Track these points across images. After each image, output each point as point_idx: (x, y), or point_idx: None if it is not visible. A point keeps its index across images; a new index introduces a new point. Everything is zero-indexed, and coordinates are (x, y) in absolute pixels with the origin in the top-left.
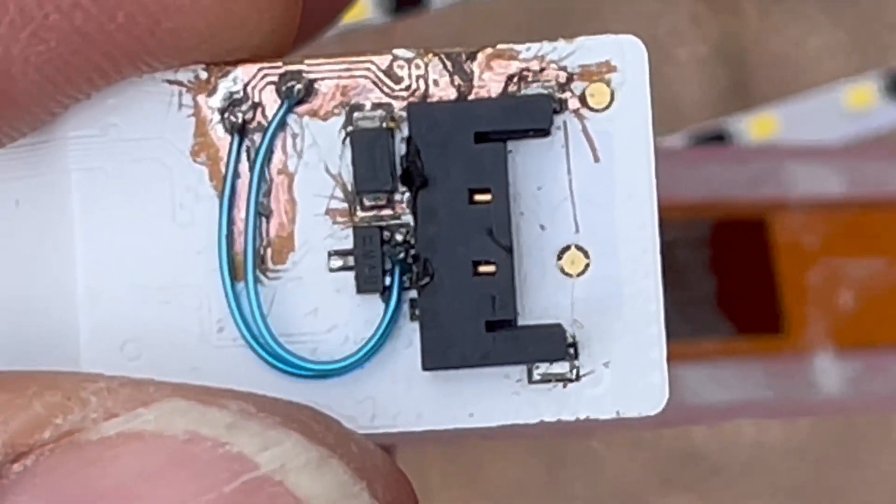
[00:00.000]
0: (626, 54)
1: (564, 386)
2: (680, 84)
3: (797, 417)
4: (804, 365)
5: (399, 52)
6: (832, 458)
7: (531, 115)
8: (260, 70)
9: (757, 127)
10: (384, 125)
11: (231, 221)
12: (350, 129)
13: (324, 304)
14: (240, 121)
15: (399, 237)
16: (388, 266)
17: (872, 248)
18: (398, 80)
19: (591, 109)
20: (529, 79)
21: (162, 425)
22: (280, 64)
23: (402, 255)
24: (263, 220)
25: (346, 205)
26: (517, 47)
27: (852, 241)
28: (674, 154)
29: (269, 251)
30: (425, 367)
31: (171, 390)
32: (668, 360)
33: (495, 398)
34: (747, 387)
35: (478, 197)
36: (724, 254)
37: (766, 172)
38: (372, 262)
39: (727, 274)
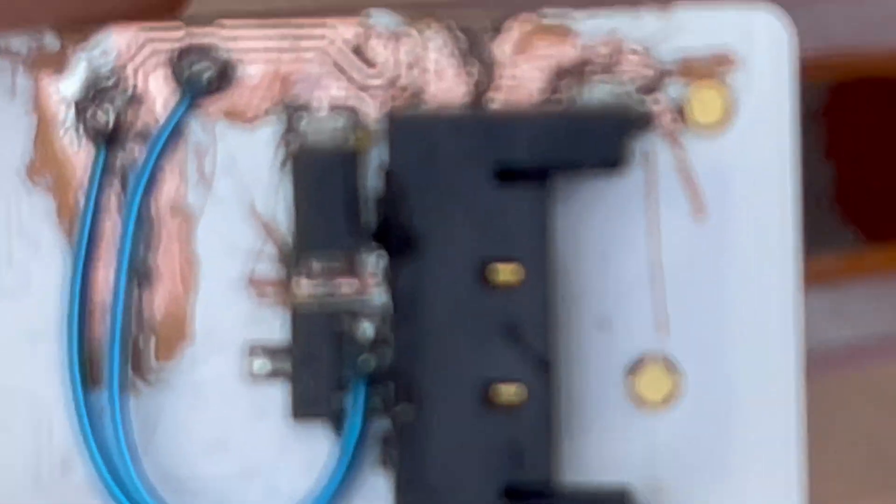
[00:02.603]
0: (759, 38)
1: None
2: None
3: None
4: None
5: (378, 16)
6: None
7: (593, 139)
8: (144, 37)
9: None
10: (348, 141)
11: (87, 289)
12: (292, 145)
13: (237, 433)
14: (110, 122)
15: (367, 331)
16: (346, 378)
17: None
18: (373, 63)
19: (696, 131)
20: (592, 73)
21: None
22: (179, 28)
23: (369, 362)
24: (143, 288)
25: (280, 270)
26: (575, 16)
27: None
28: None
29: (150, 341)
30: None
31: None
32: None
33: None
34: (880, 316)
35: (498, 272)
36: (847, 129)
37: None
38: (319, 369)
39: (851, 158)
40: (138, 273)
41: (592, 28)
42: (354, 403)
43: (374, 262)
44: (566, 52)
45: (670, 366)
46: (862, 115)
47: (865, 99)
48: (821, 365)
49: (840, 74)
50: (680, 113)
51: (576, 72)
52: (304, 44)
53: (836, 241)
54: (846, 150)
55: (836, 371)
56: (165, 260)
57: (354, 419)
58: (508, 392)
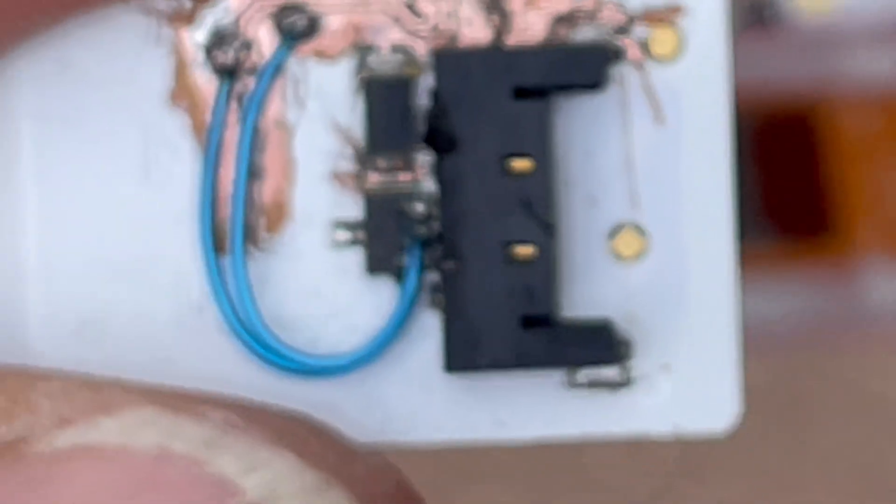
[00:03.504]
0: None
1: (614, 393)
2: None
3: (847, 332)
4: (854, 271)
5: None
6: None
7: (582, 66)
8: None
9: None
10: (404, 72)
11: (216, 182)
12: (363, 75)
13: (326, 285)
14: (230, 61)
15: (419, 208)
16: (406, 243)
17: None
18: (422, 17)
19: (656, 60)
20: (581, 21)
21: (127, 438)
22: None
23: (422, 231)
24: (256, 181)
25: (356, 167)
26: None
27: None
28: None
29: (261, 220)
30: (449, 369)
31: (140, 394)
32: (744, 364)
33: (531, 406)
34: (790, 297)
35: (515, 164)
36: (770, 149)
37: (817, 57)
38: (386, 237)
39: (773, 171)
40: (252, 171)
41: None
42: (411, 261)
43: (423, 159)
44: (563, 4)
45: (640, 230)
46: (781, 138)
47: (784, 126)
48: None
49: (765, 106)
50: (644, 48)
51: (568, 19)
52: (371, 2)
53: (759, 236)
54: (769, 164)
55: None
56: (272, 161)
57: (412, 272)
58: (524, 250)
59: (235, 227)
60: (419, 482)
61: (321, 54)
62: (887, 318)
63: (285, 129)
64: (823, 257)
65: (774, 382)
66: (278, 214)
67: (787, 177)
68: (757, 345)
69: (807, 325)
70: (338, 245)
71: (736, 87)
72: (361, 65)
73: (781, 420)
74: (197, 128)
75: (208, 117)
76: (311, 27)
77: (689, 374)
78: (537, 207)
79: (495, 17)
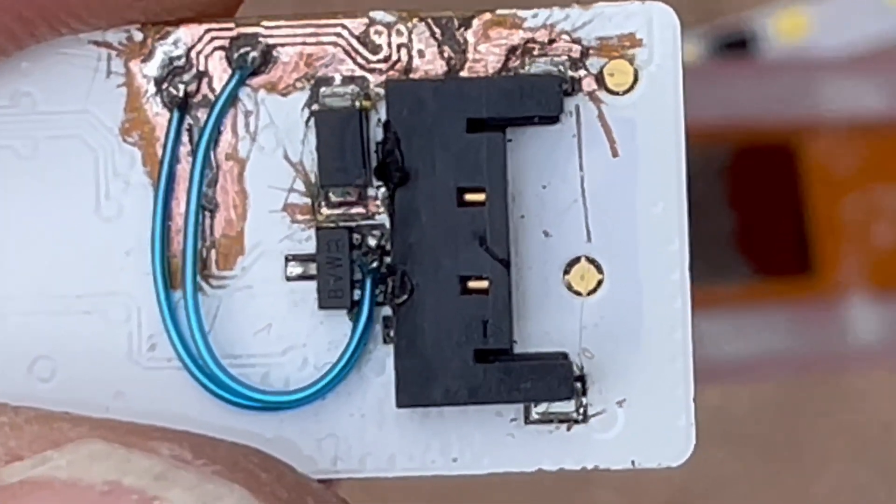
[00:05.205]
0: (655, 25)
1: (569, 428)
2: None
3: (829, 370)
4: (837, 310)
5: (377, 14)
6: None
7: (536, 98)
8: (207, 32)
9: (786, 25)
10: (357, 104)
11: (168, 216)
12: (315, 107)
13: (278, 320)
14: (181, 93)
15: (372, 241)
16: (358, 277)
17: None
18: (375, 50)
19: (611, 92)
20: (535, 53)
21: (76, 472)
22: (232, 25)
23: (375, 264)
24: (207, 215)
25: (308, 200)
26: (521, 13)
27: (893, 166)
28: (689, 69)
29: (213, 253)
30: (400, 404)
31: (89, 428)
32: (696, 398)
33: (485, 441)
34: (772, 337)
35: (469, 197)
36: (746, 184)
37: (795, 88)
38: (338, 271)
39: (749, 207)
40: (204, 204)
41: (536, 20)
42: (364, 295)
43: (376, 192)
44: (516, 37)
45: (594, 265)
46: (758, 174)
47: (761, 160)
48: (719, 375)
49: (742, 140)
50: (599, 80)
51: (522, 51)
52: (323, 35)
53: (735, 275)
54: (745, 200)
55: (730, 380)
56: (223, 194)
57: (364, 307)
58: (478, 284)
59: (187, 261)
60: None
61: (273, 87)
62: (870, 354)
63: (237, 161)
64: (805, 294)
65: (757, 416)
66: (230, 249)
67: (766, 211)
68: (738, 381)
69: (790, 362)
70: (290, 279)
71: (707, 119)
72: (313, 97)
73: (763, 452)
74: (148, 160)
75: (160, 150)
76: (263, 60)
77: (644, 410)
78: (491, 241)
79: (448, 49)
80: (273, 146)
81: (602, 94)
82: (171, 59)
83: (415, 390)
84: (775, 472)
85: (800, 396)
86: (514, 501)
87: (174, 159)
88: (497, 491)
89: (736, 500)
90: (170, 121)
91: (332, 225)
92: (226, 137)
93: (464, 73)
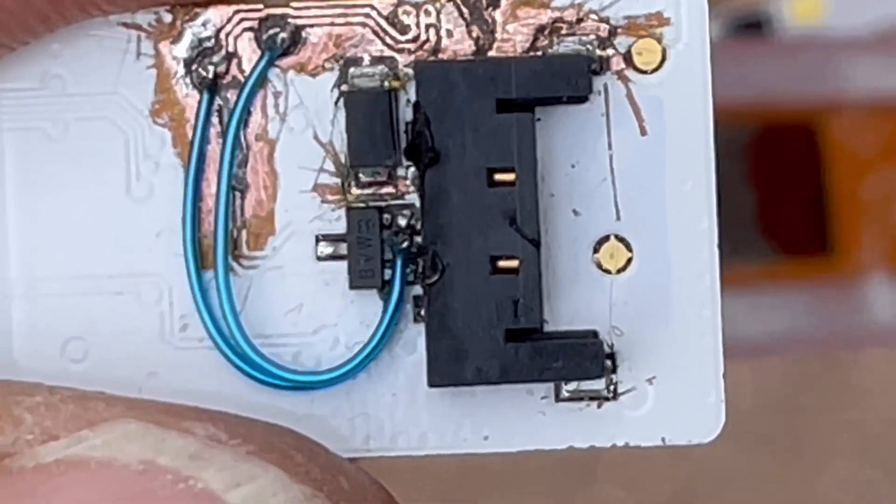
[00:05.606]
0: (682, 4)
1: (599, 406)
2: None
3: (847, 350)
4: (857, 290)
5: None
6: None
7: (566, 78)
8: (236, 13)
9: (802, 7)
10: (386, 85)
11: (198, 197)
12: (344, 88)
13: (309, 299)
14: (210, 75)
15: (402, 221)
16: (389, 256)
17: None
18: (404, 30)
19: (639, 71)
20: (563, 32)
21: (111, 452)
22: (260, 6)
23: (405, 244)
24: (238, 196)
25: (338, 180)
26: None
27: None
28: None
29: (243, 234)
30: (432, 384)
31: (124, 408)
32: (725, 375)
33: (515, 419)
34: (792, 316)
35: (499, 177)
36: (767, 164)
37: (816, 68)
38: (368, 251)
39: (770, 187)
40: (234, 185)
41: (561, 0)
42: (394, 275)
43: (406, 172)
44: (544, 16)
45: (624, 243)
46: (779, 153)
47: (782, 140)
48: (740, 353)
49: (762, 120)
50: (627, 59)
51: (550, 30)
52: (352, 15)
53: (755, 254)
54: (766, 180)
55: (752, 358)
56: (253, 175)
57: (395, 286)
58: (509, 263)
59: (218, 241)
60: (430, 495)
61: (302, 67)
62: (890, 333)
63: (267, 142)
64: (825, 274)
65: (761, 412)
66: (261, 229)
67: (787, 191)
68: (758, 361)
69: (809, 341)
70: (321, 259)
71: (728, 99)
72: (342, 78)
73: (768, 448)
74: (179, 142)
75: (190, 131)
76: (292, 40)
77: (674, 387)
78: (522, 220)
79: (476, 29)
80: (303, 127)
81: (630, 73)
82: (201, 41)
83: (446, 370)
84: (780, 467)
85: (805, 393)
86: (521, 497)
87: (204, 140)
88: (503, 487)
89: (740, 495)
90: (199, 102)
91: (362, 205)
92: (255, 118)
93: (492, 53)
